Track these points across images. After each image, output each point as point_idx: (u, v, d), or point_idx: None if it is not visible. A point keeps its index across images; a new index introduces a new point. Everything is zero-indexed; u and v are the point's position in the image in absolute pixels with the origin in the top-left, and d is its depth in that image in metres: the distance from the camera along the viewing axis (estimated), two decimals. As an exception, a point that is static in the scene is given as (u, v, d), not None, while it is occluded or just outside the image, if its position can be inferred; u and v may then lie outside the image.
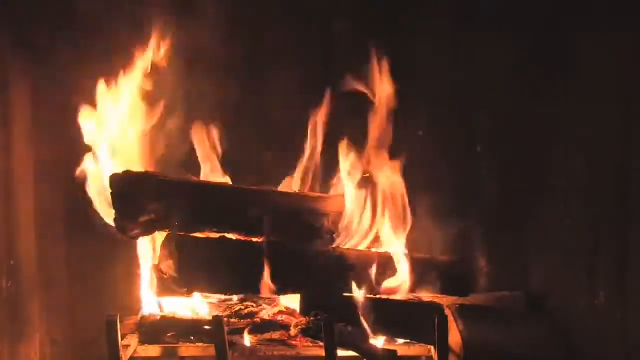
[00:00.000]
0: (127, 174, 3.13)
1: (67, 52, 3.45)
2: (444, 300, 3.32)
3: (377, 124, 3.50)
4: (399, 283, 3.31)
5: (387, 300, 3.27)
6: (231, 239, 3.27)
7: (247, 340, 3.15)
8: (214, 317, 3.02)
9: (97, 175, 3.26)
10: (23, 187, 3.38)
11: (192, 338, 3.14)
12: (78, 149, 3.35)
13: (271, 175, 3.54)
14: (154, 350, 3.14)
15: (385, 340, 3.20)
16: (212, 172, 3.46)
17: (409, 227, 3.47)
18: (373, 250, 3.43)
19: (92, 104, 3.35)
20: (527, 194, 3.65)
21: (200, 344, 3.14)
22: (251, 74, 3.61)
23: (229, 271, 3.17)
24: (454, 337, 3.08)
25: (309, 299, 3.22)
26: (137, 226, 3.11)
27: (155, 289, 3.20)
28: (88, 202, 3.27)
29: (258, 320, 3.24)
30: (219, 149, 3.49)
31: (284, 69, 3.60)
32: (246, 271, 3.18)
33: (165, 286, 3.17)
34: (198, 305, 3.26)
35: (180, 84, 3.46)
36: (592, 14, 3.23)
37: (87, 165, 3.27)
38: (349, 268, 3.28)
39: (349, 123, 3.56)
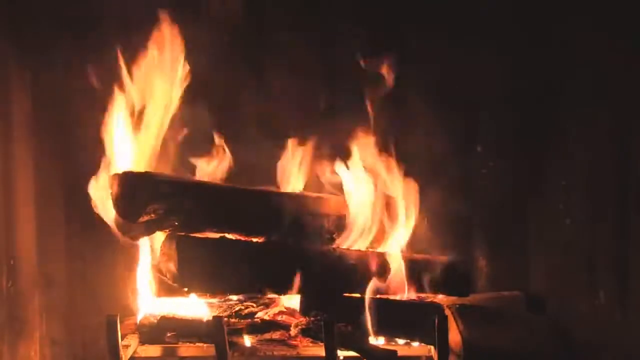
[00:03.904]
0: (128, 174, 3.13)
1: (68, 52, 3.45)
2: (444, 300, 3.32)
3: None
4: (399, 283, 3.31)
5: (387, 300, 3.27)
6: (231, 239, 3.27)
7: (247, 340, 3.15)
8: (214, 317, 3.02)
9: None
10: (23, 187, 3.38)
11: (192, 338, 3.14)
12: (78, 149, 3.35)
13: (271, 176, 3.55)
14: (154, 350, 3.14)
15: (385, 340, 3.21)
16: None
17: (409, 228, 3.47)
18: (373, 250, 3.43)
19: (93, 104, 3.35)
20: (527, 193, 3.66)
21: (200, 344, 3.14)
22: (253, 74, 3.61)
23: (228, 271, 3.17)
24: (454, 337, 3.09)
25: (309, 299, 3.22)
26: (137, 226, 3.11)
27: (155, 289, 3.20)
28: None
29: (258, 320, 3.24)
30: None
31: (286, 72, 3.61)
32: (246, 271, 3.18)
33: (165, 286, 3.17)
34: (198, 305, 3.26)
35: (180, 84, 3.46)
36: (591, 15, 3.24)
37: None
38: (349, 268, 3.28)
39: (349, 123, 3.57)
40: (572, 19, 3.35)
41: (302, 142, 3.54)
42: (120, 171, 3.16)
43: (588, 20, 3.25)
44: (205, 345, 3.12)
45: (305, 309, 3.21)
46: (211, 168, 3.47)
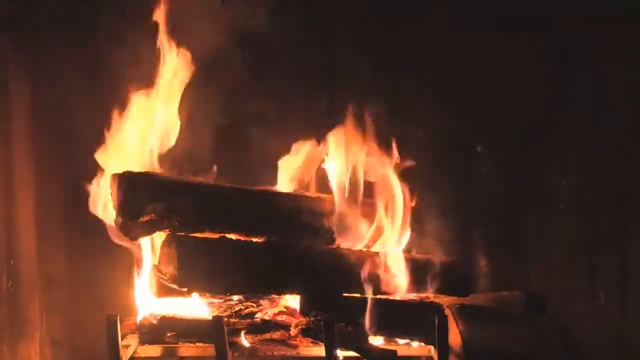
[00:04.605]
0: (128, 174, 3.13)
1: (67, 52, 3.45)
2: (444, 300, 3.32)
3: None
4: (399, 283, 3.31)
5: (387, 300, 3.27)
6: (231, 239, 3.27)
7: (247, 340, 3.15)
8: (214, 317, 3.02)
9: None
10: (23, 187, 3.38)
11: (192, 338, 3.14)
12: (78, 149, 3.35)
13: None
14: (154, 350, 3.14)
15: (385, 340, 3.20)
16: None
17: (409, 228, 3.47)
18: (373, 250, 3.43)
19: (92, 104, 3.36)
20: (527, 193, 3.66)
21: (200, 344, 3.14)
22: (254, 77, 3.61)
23: (228, 271, 3.17)
24: (454, 337, 3.08)
25: (309, 299, 3.22)
26: (137, 226, 3.11)
27: (155, 289, 3.20)
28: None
29: (258, 320, 3.24)
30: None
31: (286, 75, 3.61)
32: (246, 271, 3.18)
33: (165, 286, 3.17)
34: (198, 305, 3.26)
35: (181, 83, 3.46)
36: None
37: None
38: (349, 268, 3.28)
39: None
40: (572, 19, 3.35)
41: (302, 142, 3.54)
42: (120, 171, 3.15)
43: (588, 20, 3.25)
44: (205, 345, 3.12)
45: (305, 309, 3.21)
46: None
